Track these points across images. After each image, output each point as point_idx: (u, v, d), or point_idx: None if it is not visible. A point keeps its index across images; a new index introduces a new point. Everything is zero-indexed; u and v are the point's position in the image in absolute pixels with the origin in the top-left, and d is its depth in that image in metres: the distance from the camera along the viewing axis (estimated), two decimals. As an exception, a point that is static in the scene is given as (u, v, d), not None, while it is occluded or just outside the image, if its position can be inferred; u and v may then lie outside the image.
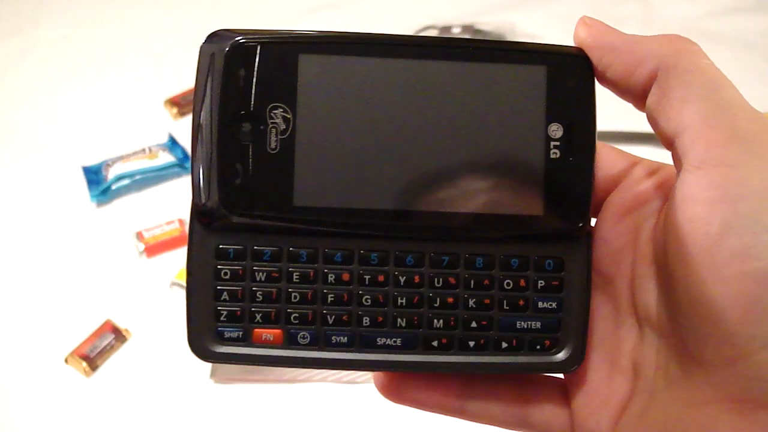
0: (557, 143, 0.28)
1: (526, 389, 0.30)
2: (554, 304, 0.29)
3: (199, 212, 0.28)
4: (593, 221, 0.30)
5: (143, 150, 0.88)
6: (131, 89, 0.98)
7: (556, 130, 0.28)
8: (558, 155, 0.28)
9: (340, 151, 0.28)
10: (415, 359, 0.29)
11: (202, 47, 0.28)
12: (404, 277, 0.29)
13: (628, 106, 0.28)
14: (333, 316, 0.29)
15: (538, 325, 0.29)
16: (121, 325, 0.73)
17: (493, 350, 0.29)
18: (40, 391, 0.70)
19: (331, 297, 0.29)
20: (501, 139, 0.28)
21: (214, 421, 0.67)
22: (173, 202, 0.85)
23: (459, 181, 0.28)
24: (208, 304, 0.29)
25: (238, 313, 0.29)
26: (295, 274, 0.29)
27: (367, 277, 0.29)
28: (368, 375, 0.67)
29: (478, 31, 1.00)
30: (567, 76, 0.28)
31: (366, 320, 0.29)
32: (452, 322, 0.29)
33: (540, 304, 0.29)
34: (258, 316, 0.29)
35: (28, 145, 0.93)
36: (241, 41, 0.28)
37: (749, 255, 0.23)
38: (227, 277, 0.29)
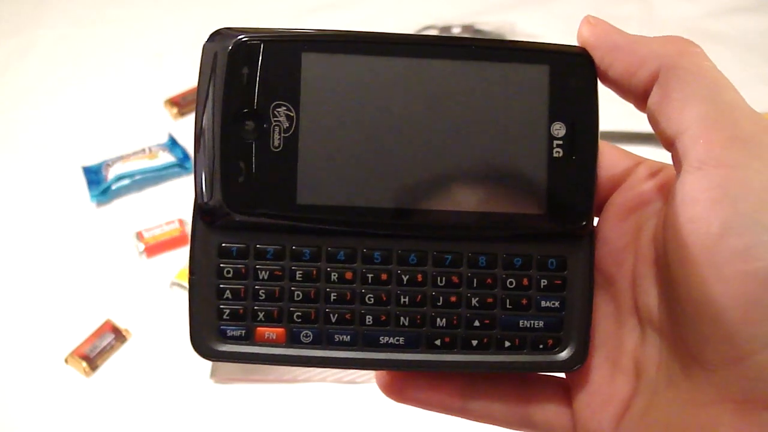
0: (560, 142, 0.28)
1: (528, 389, 0.30)
2: (557, 303, 0.29)
3: (201, 211, 0.28)
4: (596, 221, 0.30)
5: (143, 150, 0.88)
6: (131, 89, 0.98)
7: (559, 129, 0.28)
8: (561, 154, 0.28)
9: (343, 149, 0.28)
10: (418, 358, 0.29)
11: (205, 46, 0.28)
12: (407, 276, 0.29)
13: (628, 107, 0.28)
14: (336, 315, 0.28)
15: (541, 324, 0.29)
16: (121, 325, 0.73)
17: (496, 349, 0.29)
18: (40, 391, 0.70)
19: (334, 295, 0.28)
20: (504, 138, 0.28)
21: (214, 421, 0.67)
22: (173, 202, 0.85)
23: (462, 179, 0.28)
24: (210, 302, 0.29)
25: (241, 311, 0.28)
26: (298, 272, 0.28)
27: (370, 275, 0.28)
28: (368, 375, 0.68)
29: (478, 31, 1.00)
30: (570, 75, 0.28)
31: (369, 319, 0.29)
32: (455, 321, 0.29)
33: (543, 303, 0.29)
34: (261, 315, 0.28)
35: (28, 145, 0.93)
36: (244, 40, 0.28)
37: (750, 255, 0.23)
38: (230, 275, 0.28)
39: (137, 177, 0.86)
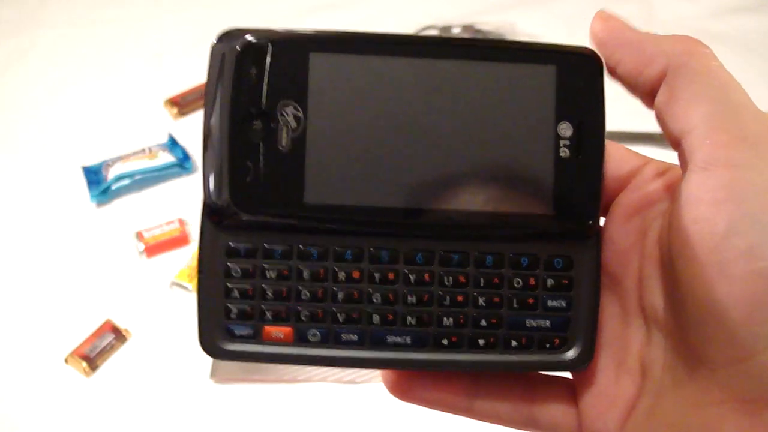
0: (567, 142, 0.28)
1: (534, 389, 0.30)
2: (564, 303, 0.29)
3: (209, 210, 0.28)
4: (602, 221, 0.30)
5: (143, 150, 0.88)
6: (131, 89, 0.98)
7: (565, 129, 0.28)
8: (568, 154, 0.28)
9: (350, 148, 0.28)
10: (425, 357, 0.29)
11: (213, 47, 0.28)
12: (414, 275, 0.29)
13: (631, 106, 0.28)
14: (343, 314, 0.29)
15: (548, 323, 0.29)
16: (121, 325, 0.73)
17: (503, 348, 0.29)
18: (40, 391, 0.70)
19: (342, 295, 0.28)
20: (511, 138, 0.28)
21: (214, 421, 0.67)
22: (173, 202, 0.85)
23: (469, 179, 0.28)
24: (218, 301, 0.29)
25: (249, 310, 0.29)
26: (305, 272, 0.28)
27: (377, 275, 0.29)
28: (368, 375, 0.68)
29: (478, 31, 1.00)
30: (576, 75, 0.28)
31: (376, 318, 0.29)
32: (462, 320, 0.29)
33: (549, 303, 0.29)
34: (268, 314, 0.29)
35: (28, 145, 0.93)
36: (251, 40, 0.28)
37: (754, 255, 0.23)
38: (237, 275, 0.28)
39: (137, 177, 0.86)
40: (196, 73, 0.96)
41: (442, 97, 0.28)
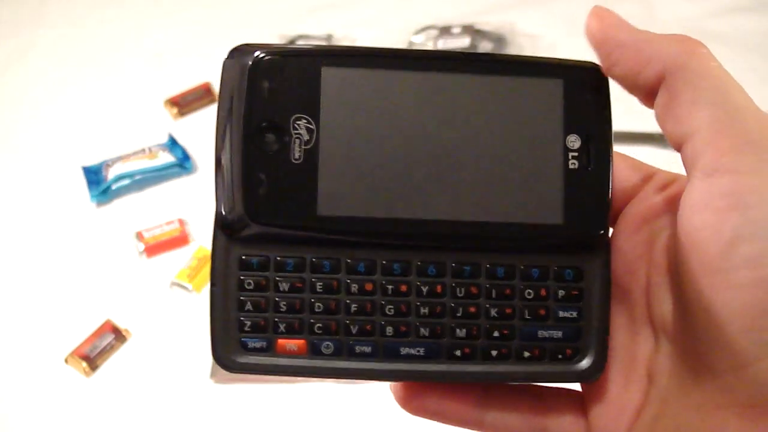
0: (575, 154, 0.29)
1: (544, 400, 0.30)
2: (575, 314, 0.29)
3: (222, 223, 0.28)
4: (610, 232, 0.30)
5: (143, 150, 0.88)
6: (131, 89, 0.98)
7: (574, 142, 0.29)
8: (576, 166, 0.29)
9: (362, 161, 0.28)
10: (438, 369, 0.29)
11: (224, 62, 0.28)
12: (426, 287, 0.29)
13: (630, 107, 0.28)
14: (356, 326, 0.29)
15: (560, 334, 0.29)
16: (121, 325, 0.74)
17: (516, 360, 0.29)
18: (40, 391, 0.70)
19: (355, 307, 0.29)
20: (521, 150, 0.29)
21: (214, 421, 0.68)
22: (173, 202, 0.85)
23: (480, 190, 0.29)
24: (231, 314, 0.29)
25: (262, 323, 0.29)
26: (318, 284, 0.29)
27: (389, 287, 0.29)
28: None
29: (478, 32, 1.00)
30: (583, 88, 0.29)
31: (389, 330, 0.29)
32: (475, 332, 0.29)
33: (561, 314, 0.29)
34: (281, 327, 0.29)
35: (28, 145, 0.93)
36: (264, 55, 0.28)
37: (760, 263, 0.23)
38: (251, 287, 0.29)
39: (137, 177, 0.86)
40: (196, 73, 0.97)
41: (452, 110, 0.29)
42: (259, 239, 0.28)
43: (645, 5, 1.01)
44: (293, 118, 0.28)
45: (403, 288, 0.29)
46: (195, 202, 0.83)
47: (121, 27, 1.08)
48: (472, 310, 0.29)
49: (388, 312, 0.29)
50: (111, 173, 0.86)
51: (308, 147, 0.28)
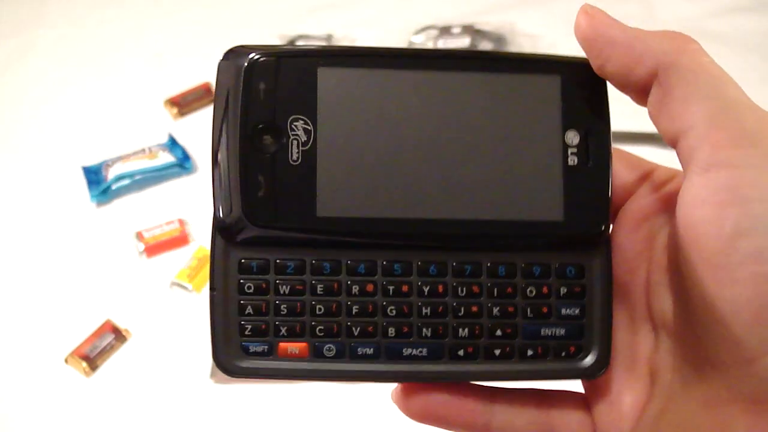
0: (575, 150, 0.29)
1: (550, 402, 0.30)
2: (577, 311, 0.29)
3: (220, 227, 0.28)
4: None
5: (143, 150, 0.88)
6: (131, 89, 0.98)
7: (572, 138, 0.29)
8: (576, 162, 0.29)
9: (361, 161, 0.28)
10: (441, 369, 0.29)
11: (220, 64, 0.28)
12: (428, 287, 0.29)
13: (628, 107, 0.28)
14: (358, 328, 0.29)
15: (563, 332, 0.29)
16: (121, 325, 0.74)
17: (519, 358, 0.29)
18: (40, 391, 0.70)
19: (356, 308, 0.29)
20: (520, 147, 0.29)
21: (214, 421, 0.67)
22: (173, 202, 0.85)
23: (479, 189, 0.28)
24: (232, 318, 0.29)
25: (263, 327, 0.28)
26: (319, 286, 0.28)
27: (391, 287, 0.29)
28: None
29: (478, 32, 0.99)
30: (581, 84, 0.29)
31: (391, 331, 0.29)
32: (477, 331, 0.29)
33: (563, 311, 0.29)
34: (283, 330, 0.28)
35: (28, 145, 0.93)
36: (259, 56, 0.28)
37: (762, 257, 0.23)
38: (251, 291, 0.28)
39: (137, 177, 0.86)
40: (196, 73, 0.97)
41: (450, 108, 0.29)
42: (258, 242, 0.28)
43: (645, 5, 1.01)
44: (290, 119, 0.28)
45: (405, 288, 0.29)
46: (195, 202, 0.83)
47: (121, 27, 1.08)
48: (475, 309, 0.29)
49: (389, 313, 0.29)
50: (111, 173, 0.86)
51: (306, 148, 0.28)
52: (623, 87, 0.27)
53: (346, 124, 0.28)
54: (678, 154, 0.26)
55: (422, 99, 0.28)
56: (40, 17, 1.10)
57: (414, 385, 0.30)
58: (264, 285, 0.28)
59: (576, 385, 0.31)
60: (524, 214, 0.29)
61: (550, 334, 0.29)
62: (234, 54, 0.28)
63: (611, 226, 0.29)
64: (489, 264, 0.29)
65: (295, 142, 0.28)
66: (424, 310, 0.29)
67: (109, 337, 0.72)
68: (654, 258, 0.28)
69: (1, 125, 0.96)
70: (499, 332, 0.29)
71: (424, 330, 0.29)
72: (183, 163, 0.87)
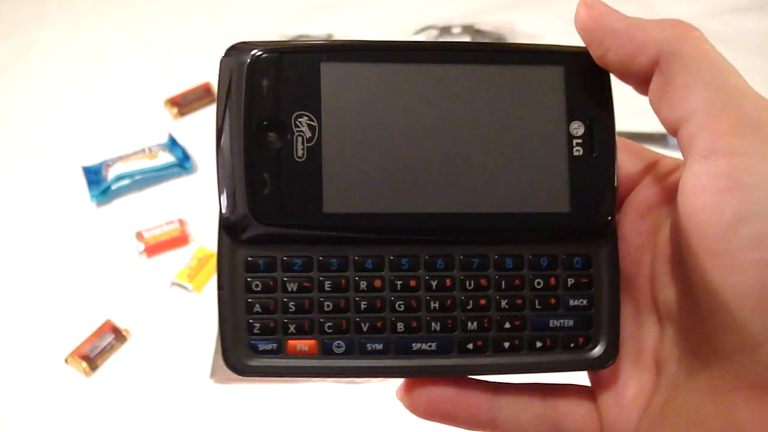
0: (579, 141, 0.29)
1: (554, 395, 0.30)
2: (585, 302, 0.29)
3: (226, 225, 0.28)
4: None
5: (143, 150, 0.88)
6: (131, 89, 0.98)
7: (577, 128, 0.29)
8: (581, 152, 0.29)
9: (366, 156, 0.28)
10: (450, 363, 0.29)
11: (222, 60, 0.28)
12: (436, 281, 0.29)
13: (631, 107, 0.28)
14: (367, 324, 0.28)
15: (571, 323, 0.29)
16: (121, 325, 0.73)
17: (528, 350, 0.29)
18: (40, 391, 0.70)
19: (364, 304, 0.28)
20: (524, 139, 0.29)
21: (214, 421, 0.67)
22: (173, 202, 0.85)
23: (484, 181, 0.28)
24: (240, 317, 0.28)
25: (272, 325, 0.28)
26: (326, 283, 0.28)
27: (398, 282, 0.28)
28: (368, 375, 0.67)
29: (478, 32, 1.00)
30: (584, 74, 0.29)
31: (400, 326, 0.28)
32: (486, 324, 0.29)
33: (571, 302, 0.29)
34: (291, 327, 0.28)
35: (28, 145, 0.93)
36: (261, 52, 0.28)
37: (763, 243, 0.23)
38: (258, 289, 0.28)
39: (137, 177, 0.86)
40: (196, 73, 0.97)
41: (454, 101, 0.28)
42: (264, 240, 0.28)
43: (645, 5, 1.01)
44: (294, 115, 0.28)
45: (413, 283, 0.29)
46: (195, 202, 0.83)
47: (121, 27, 1.08)
48: (483, 302, 0.29)
49: (398, 308, 0.28)
50: (111, 173, 0.86)
51: (311, 144, 0.28)
52: (624, 76, 0.27)
53: (350, 119, 0.28)
54: (678, 143, 0.26)
55: (426, 92, 0.28)
56: (40, 17, 1.10)
57: (418, 381, 0.30)
58: (271, 283, 0.28)
59: (580, 379, 0.31)
60: (530, 205, 0.29)
61: (558, 325, 0.29)
62: (236, 50, 0.28)
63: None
64: (496, 257, 0.29)
65: (299, 139, 0.28)
66: (432, 305, 0.29)
67: (109, 337, 0.72)
68: (659, 248, 0.28)
69: (1, 125, 0.96)
70: (507, 325, 0.29)
71: (433, 324, 0.29)
72: (183, 163, 0.87)
